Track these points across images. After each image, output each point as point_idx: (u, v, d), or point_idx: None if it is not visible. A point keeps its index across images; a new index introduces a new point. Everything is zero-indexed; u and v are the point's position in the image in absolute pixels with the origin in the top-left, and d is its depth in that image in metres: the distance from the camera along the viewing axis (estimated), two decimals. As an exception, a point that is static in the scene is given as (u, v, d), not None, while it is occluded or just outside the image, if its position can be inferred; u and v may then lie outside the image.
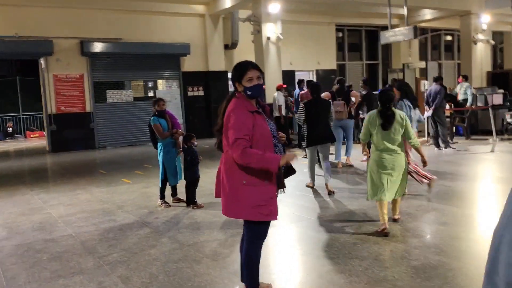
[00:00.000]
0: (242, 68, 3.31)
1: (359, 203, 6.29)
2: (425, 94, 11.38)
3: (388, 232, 4.85)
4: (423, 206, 6.04)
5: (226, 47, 17.66)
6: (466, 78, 13.94)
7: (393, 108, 5.07)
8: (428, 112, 10.83)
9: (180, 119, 16.91)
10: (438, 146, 11.01)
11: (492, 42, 20.18)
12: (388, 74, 20.14)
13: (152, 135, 6.68)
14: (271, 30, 14.56)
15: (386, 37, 14.09)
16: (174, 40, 16.49)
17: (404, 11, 14.32)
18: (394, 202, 5.29)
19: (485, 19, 19.31)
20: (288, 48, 16.67)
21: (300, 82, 12.86)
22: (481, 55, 19.81)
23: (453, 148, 10.98)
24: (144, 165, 10.91)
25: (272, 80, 14.71)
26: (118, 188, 8.36)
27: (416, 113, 7.17)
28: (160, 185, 6.71)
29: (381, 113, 5.00)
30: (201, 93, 17.36)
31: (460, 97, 13.68)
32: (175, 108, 16.72)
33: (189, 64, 17.04)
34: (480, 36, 19.54)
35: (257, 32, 14.57)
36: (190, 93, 17.19)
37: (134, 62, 16.22)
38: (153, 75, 17.05)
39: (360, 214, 5.82)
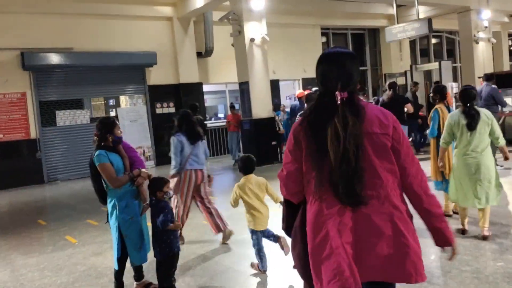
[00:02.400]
0: None
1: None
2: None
3: (466, 230, 4.92)
4: None
5: (200, 55, 15.09)
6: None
7: (476, 107, 4.75)
8: None
9: (148, 142, 14.16)
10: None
11: (494, 40, 18.25)
12: (386, 79, 17.95)
13: (98, 183, 4.00)
14: (254, 30, 12.05)
15: (393, 34, 11.79)
16: (137, 48, 13.82)
17: (415, 3, 12.03)
18: (482, 210, 4.76)
19: (485, 15, 17.38)
20: (270, 55, 14.14)
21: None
22: (483, 55, 17.84)
23: (500, 166, 8.63)
24: (102, 207, 8.10)
25: (259, 91, 12.18)
26: (56, 255, 5.58)
27: None
28: (115, 267, 3.97)
29: (465, 112, 4.72)
30: (172, 110, 14.65)
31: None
32: (141, 129, 13.99)
33: (156, 76, 14.37)
34: (481, 35, 17.58)
35: (238, 33, 12.03)
36: (158, 110, 14.48)
37: (90, 76, 13.43)
38: (113, 90, 14.28)
39: None
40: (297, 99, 11.16)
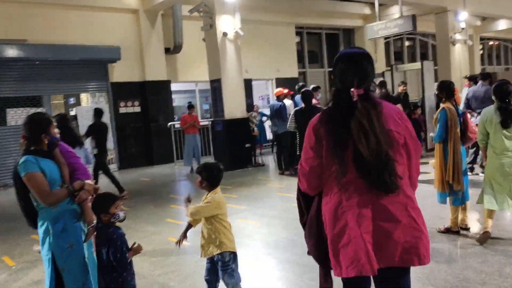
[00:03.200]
0: None
1: None
2: (463, 98, 8.44)
3: (489, 234, 4.46)
4: None
5: (168, 51, 14.09)
6: (475, 81, 10.90)
7: None
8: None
9: (110, 144, 13.02)
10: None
11: (470, 42, 17.94)
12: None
13: (25, 199, 3.03)
14: (227, 24, 11.16)
15: (375, 31, 11.12)
16: (99, 42, 12.71)
17: (399, 1, 11.37)
18: None
19: (462, 17, 17.02)
20: (242, 53, 13.24)
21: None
22: (459, 57, 17.49)
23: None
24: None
25: (232, 89, 11.30)
26: (-15, 283, 4.56)
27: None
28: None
29: (500, 109, 4.39)
30: (137, 109, 13.61)
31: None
32: (103, 129, 12.82)
33: (120, 72, 13.29)
34: (458, 36, 17.22)
35: (209, 27, 11.12)
36: (122, 110, 13.39)
37: (46, 71, 12.24)
38: (73, 87, 13.11)
39: None
40: (275, 98, 10.31)
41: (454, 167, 4.60)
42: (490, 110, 4.49)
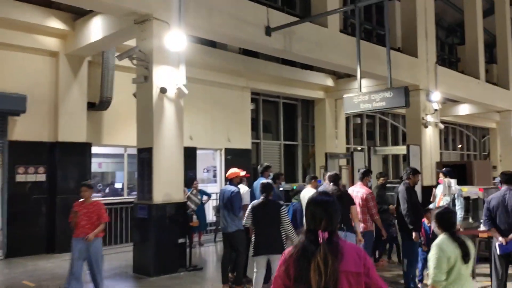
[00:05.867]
0: None
1: None
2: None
3: None
4: None
5: (92, 106, 11.22)
6: (451, 176, 8.01)
7: None
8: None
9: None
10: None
11: (442, 126, 16.26)
12: (328, 160, 14.95)
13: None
14: (168, 78, 8.50)
15: (355, 103, 8.77)
16: (1, 88, 9.72)
17: (387, 70, 9.17)
18: None
19: (435, 97, 15.42)
20: (186, 116, 10.42)
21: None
22: (430, 141, 15.70)
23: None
24: None
25: (166, 164, 8.43)
26: None
27: None
28: None
29: (458, 239, 3.77)
30: (42, 178, 10.38)
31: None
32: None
33: (24, 128, 10.18)
34: (430, 118, 15.50)
35: (144, 79, 8.40)
36: (20, 177, 10.09)
37: None
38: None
39: None
40: (227, 181, 7.35)
41: None
42: (445, 242, 3.76)
